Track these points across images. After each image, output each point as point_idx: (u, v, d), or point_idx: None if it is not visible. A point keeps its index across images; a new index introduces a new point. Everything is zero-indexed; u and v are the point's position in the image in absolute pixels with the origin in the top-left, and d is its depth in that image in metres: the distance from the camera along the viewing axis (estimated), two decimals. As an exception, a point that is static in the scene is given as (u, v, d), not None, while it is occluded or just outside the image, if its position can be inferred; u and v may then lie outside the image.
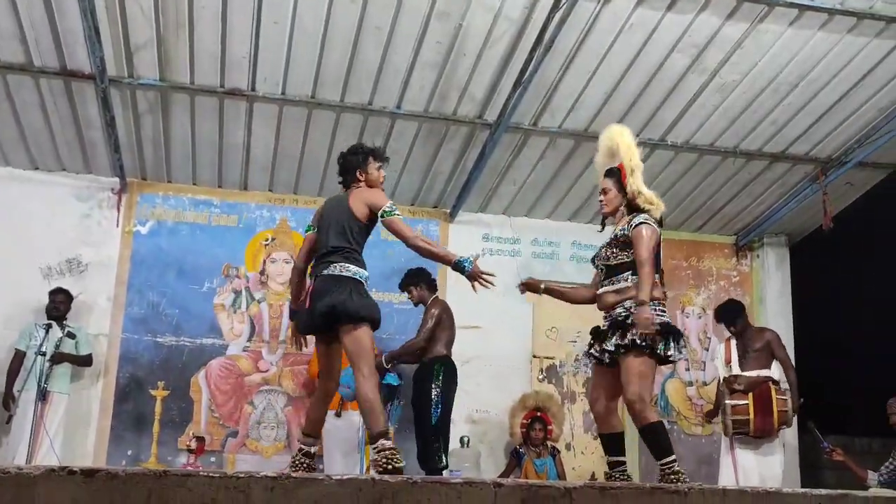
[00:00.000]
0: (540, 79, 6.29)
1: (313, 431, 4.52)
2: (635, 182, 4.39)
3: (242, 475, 2.77)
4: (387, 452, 3.99)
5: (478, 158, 7.22)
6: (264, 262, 7.97)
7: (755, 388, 6.41)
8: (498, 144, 7.02)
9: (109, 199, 7.75)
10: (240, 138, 7.21)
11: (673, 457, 4.12)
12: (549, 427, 7.44)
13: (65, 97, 6.66)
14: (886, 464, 6.12)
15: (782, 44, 6.15)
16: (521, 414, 7.54)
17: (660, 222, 4.42)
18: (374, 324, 4.30)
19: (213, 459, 7.36)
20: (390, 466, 3.91)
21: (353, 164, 4.60)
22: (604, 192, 4.52)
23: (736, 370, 6.60)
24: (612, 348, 4.23)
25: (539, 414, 7.46)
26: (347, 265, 4.30)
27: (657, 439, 4.20)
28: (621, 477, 4.30)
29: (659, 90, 6.62)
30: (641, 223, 4.28)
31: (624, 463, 4.38)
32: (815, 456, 7.62)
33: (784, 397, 6.41)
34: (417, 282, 6.88)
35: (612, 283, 4.37)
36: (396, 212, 4.39)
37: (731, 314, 6.83)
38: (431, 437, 6.42)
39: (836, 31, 6.02)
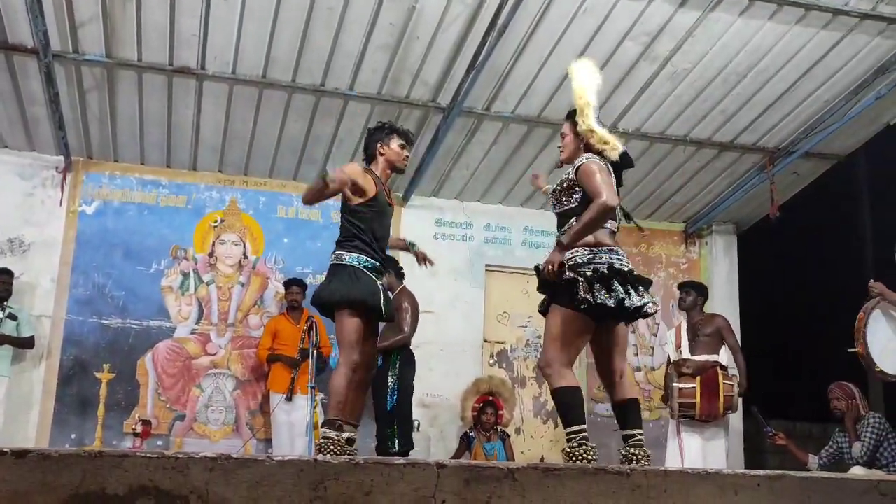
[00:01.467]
0: (493, 63, 6.28)
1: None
2: (585, 121, 3.96)
3: (181, 455, 2.71)
4: (327, 441, 4.04)
5: (431, 142, 7.19)
6: (213, 243, 7.85)
7: (703, 373, 6.52)
8: (451, 129, 7.01)
9: (54, 178, 7.57)
10: (189, 118, 7.08)
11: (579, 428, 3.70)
12: (501, 412, 7.47)
13: (6, 72, 6.47)
14: (826, 447, 6.24)
15: (732, 33, 6.22)
16: (473, 398, 7.55)
17: (623, 163, 4.03)
18: (353, 305, 4.14)
19: (159, 443, 7.25)
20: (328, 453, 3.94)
21: (373, 139, 4.37)
22: (561, 136, 4.14)
23: (686, 355, 6.70)
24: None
25: (491, 398, 7.48)
26: (338, 251, 4.29)
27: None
28: (634, 453, 3.72)
29: (611, 77, 6.62)
30: (582, 162, 3.89)
31: (634, 437, 3.80)
32: (758, 440, 7.77)
33: (731, 382, 6.52)
34: (387, 269, 6.87)
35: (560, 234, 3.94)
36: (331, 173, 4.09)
37: (703, 288, 7.10)
38: (386, 422, 6.52)
39: (784, 21, 6.10)
